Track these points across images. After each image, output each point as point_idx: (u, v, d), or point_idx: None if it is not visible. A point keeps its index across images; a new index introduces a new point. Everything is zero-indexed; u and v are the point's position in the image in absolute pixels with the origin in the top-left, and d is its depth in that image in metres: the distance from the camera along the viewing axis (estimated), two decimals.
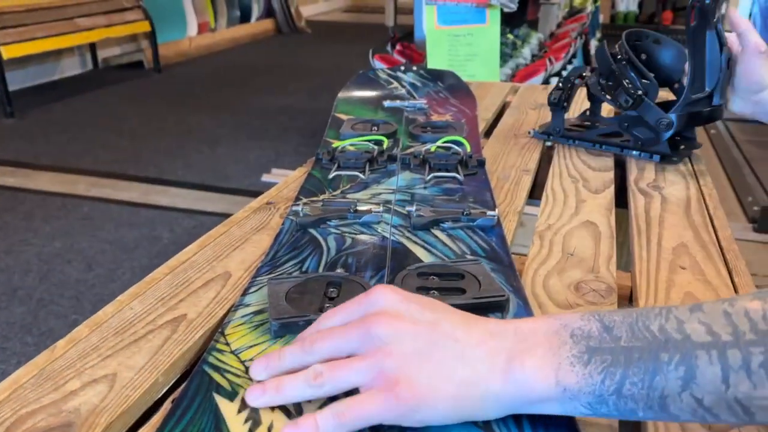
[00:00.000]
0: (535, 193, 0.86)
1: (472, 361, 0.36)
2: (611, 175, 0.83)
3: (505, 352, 0.36)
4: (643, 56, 0.83)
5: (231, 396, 0.42)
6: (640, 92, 0.79)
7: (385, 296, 0.40)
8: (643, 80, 0.80)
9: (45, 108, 3.45)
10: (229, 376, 0.44)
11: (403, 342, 0.37)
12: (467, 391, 0.36)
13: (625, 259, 0.71)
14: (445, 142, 0.88)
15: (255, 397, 0.40)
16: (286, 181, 0.84)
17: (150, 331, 0.51)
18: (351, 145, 0.89)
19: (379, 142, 0.90)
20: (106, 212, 2.18)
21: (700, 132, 0.94)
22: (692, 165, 0.87)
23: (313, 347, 0.40)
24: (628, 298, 0.58)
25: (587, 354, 0.35)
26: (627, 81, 0.80)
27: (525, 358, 0.36)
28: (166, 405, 0.43)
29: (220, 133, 3.05)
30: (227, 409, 0.41)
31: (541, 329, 0.37)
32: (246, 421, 0.40)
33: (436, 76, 1.21)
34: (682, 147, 0.88)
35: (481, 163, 0.83)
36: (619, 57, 0.83)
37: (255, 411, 0.41)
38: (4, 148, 2.81)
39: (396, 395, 0.35)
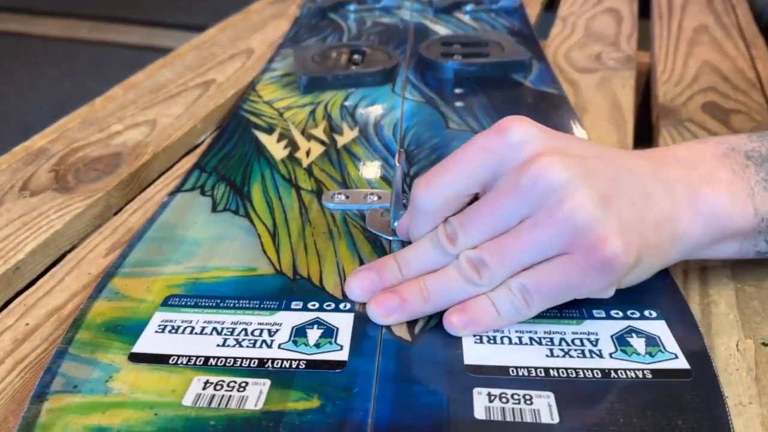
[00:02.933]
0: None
1: (654, 197, 0.27)
2: None
3: (681, 181, 0.28)
4: None
5: (269, 131, 0.44)
6: None
7: (522, 129, 0.27)
8: None
9: None
10: (265, 118, 0.46)
11: (587, 185, 0.25)
12: (661, 234, 0.27)
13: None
14: None
15: (387, 310, 0.26)
16: None
17: (183, 91, 0.52)
18: None
19: None
20: (111, 55, 2.15)
21: None
22: None
23: (461, 233, 0.26)
24: (646, 74, 0.59)
25: None
26: None
27: (713, 186, 0.28)
28: (208, 140, 0.46)
29: None
30: (266, 139, 0.43)
31: (707, 152, 0.29)
32: (285, 147, 0.42)
33: None
34: None
35: None
36: None
37: (292, 139, 0.43)
38: None
39: (606, 256, 0.24)
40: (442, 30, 0.62)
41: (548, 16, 0.77)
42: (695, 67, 0.55)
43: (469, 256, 0.26)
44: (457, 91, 0.50)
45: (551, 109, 0.47)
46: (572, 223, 0.24)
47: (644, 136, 0.47)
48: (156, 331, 0.26)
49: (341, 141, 0.43)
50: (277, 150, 0.42)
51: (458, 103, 0.48)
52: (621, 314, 0.27)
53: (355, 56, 0.55)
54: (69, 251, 0.36)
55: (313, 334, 0.26)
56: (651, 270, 0.27)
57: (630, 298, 0.27)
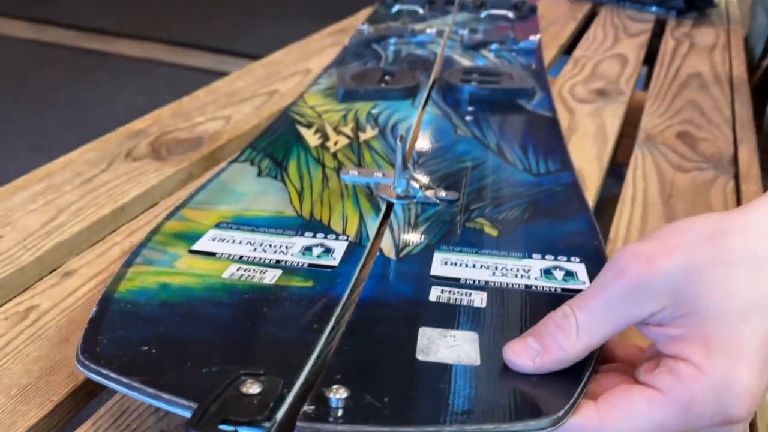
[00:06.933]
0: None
1: None
2: (650, 26, 0.91)
3: None
4: None
5: (308, 126, 0.56)
6: None
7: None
8: None
9: None
10: (307, 117, 0.58)
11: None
12: None
13: None
14: None
15: None
16: (357, 16, 0.95)
17: (252, 96, 0.65)
18: None
19: None
20: (184, 76, 2.35)
21: None
22: (728, 24, 0.94)
23: None
24: (640, 110, 0.69)
25: None
26: None
27: None
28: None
29: (286, 11, 3.14)
30: (305, 131, 0.55)
31: None
32: (319, 138, 0.54)
33: None
34: (697, 3, 0.95)
35: (533, 10, 0.92)
36: None
37: (325, 132, 0.55)
38: (88, 17, 2.99)
39: None
40: (467, 63, 0.73)
41: (566, 58, 0.88)
42: (680, 104, 0.65)
43: None
44: (469, 108, 0.61)
45: (543, 128, 0.57)
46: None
47: (622, 153, 0.57)
48: (209, 240, 0.38)
49: (363, 137, 0.55)
50: (312, 139, 0.54)
51: (468, 118, 0.59)
52: (552, 257, 0.37)
53: (386, 77, 0.66)
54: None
55: (316, 250, 0.37)
56: None
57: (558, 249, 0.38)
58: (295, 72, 0.72)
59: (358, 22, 0.91)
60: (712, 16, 0.97)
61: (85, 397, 0.32)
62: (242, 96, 0.65)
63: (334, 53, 0.78)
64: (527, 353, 0.28)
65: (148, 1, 3.25)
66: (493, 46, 0.77)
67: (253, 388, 0.25)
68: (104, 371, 0.27)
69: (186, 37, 2.73)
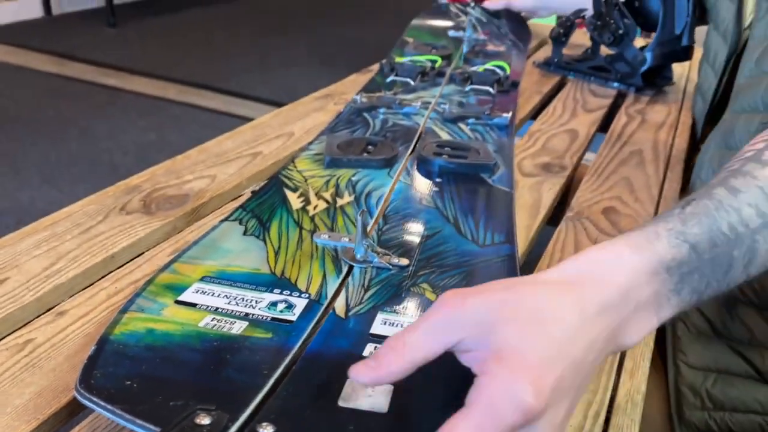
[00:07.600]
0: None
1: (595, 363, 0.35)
2: (609, 101, 1.00)
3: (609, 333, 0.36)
4: (636, 3, 0.99)
5: (294, 190, 0.64)
6: (621, 31, 0.96)
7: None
8: (626, 20, 0.96)
9: (143, 21, 3.76)
10: (294, 181, 0.67)
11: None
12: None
13: None
14: (491, 65, 1.07)
15: None
16: (343, 82, 1.05)
17: (238, 157, 0.74)
18: (410, 60, 1.08)
19: (433, 61, 1.09)
20: (192, 115, 2.47)
21: None
22: (682, 102, 1.03)
23: None
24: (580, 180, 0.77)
25: (680, 283, 0.37)
26: (612, 21, 0.96)
27: (629, 329, 0.37)
28: (247, 193, 0.67)
29: (296, 56, 3.28)
30: (291, 195, 0.63)
31: (641, 279, 0.36)
32: (302, 201, 0.62)
33: (499, 14, 1.37)
34: (657, 82, 1.04)
35: (515, 85, 1.01)
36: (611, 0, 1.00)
37: (308, 197, 0.63)
38: (106, 54, 3.13)
39: None
40: (444, 135, 0.82)
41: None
42: (614, 181, 0.73)
43: None
44: (437, 180, 0.69)
45: (497, 201, 0.65)
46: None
47: (552, 222, 0.65)
48: (193, 292, 0.46)
49: (340, 202, 0.63)
50: (296, 202, 0.62)
51: (434, 189, 0.67)
52: None
53: (369, 146, 0.75)
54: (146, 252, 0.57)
55: (280, 306, 0.45)
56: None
57: None
58: (280, 134, 0.81)
59: (344, 88, 1.01)
60: (669, 93, 1.06)
61: (66, 417, 0.39)
62: (228, 156, 0.74)
63: (318, 118, 0.87)
64: (365, 371, 0.34)
65: (165, 42, 3.40)
66: (470, 120, 0.85)
67: (204, 420, 0.33)
68: (95, 399, 0.35)
69: (197, 78, 2.86)
